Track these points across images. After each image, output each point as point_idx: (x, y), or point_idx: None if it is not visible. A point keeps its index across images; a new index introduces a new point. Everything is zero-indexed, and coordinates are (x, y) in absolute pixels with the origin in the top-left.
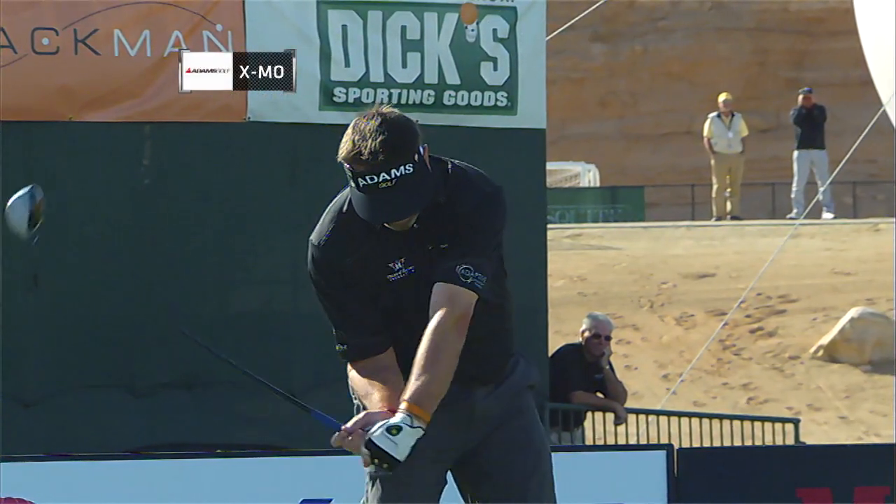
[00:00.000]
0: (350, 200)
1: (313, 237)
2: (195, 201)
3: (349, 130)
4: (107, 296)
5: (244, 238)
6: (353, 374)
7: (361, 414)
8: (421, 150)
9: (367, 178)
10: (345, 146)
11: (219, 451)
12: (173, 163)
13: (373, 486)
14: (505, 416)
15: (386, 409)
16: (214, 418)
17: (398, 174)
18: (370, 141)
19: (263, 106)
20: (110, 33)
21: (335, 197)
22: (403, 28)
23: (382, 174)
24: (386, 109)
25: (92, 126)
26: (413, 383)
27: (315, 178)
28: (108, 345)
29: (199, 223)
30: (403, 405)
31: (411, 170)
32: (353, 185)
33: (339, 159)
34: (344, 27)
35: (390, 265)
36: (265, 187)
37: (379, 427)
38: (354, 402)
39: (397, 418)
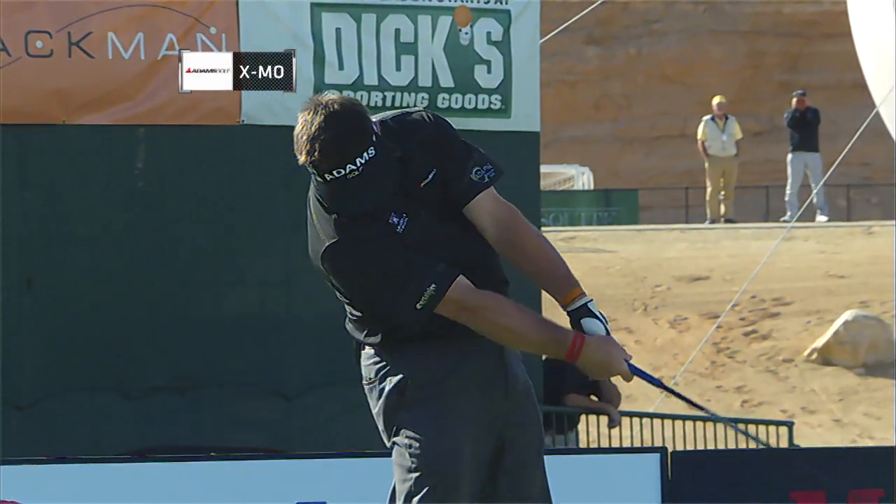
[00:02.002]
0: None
1: (330, 233)
2: (189, 204)
3: (299, 131)
4: (101, 298)
5: (238, 240)
6: (476, 302)
7: (609, 352)
8: (374, 128)
9: (333, 172)
10: (301, 149)
11: (213, 453)
12: (167, 165)
13: (418, 490)
14: (525, 395)
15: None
16: (208, 421)
17: (363, 161)
18: (324, 137)
19: (257, 109)
20: (104, 36)
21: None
22: (397, 31)
23: (348, 165)
24: (325, 99)
25: (86, 129)
26: (562, 273)
27: (309, 180)
28: (102, 348)
29: (194, 225)
30: (578, 290)
31: (374, 152)
32: (319, 181)
33: (300, 163)
34: (338, 30)
35: (391, 222)
36: (259, 190)
37: (605, 328)
38: (368, 373)
39: (592, 306)
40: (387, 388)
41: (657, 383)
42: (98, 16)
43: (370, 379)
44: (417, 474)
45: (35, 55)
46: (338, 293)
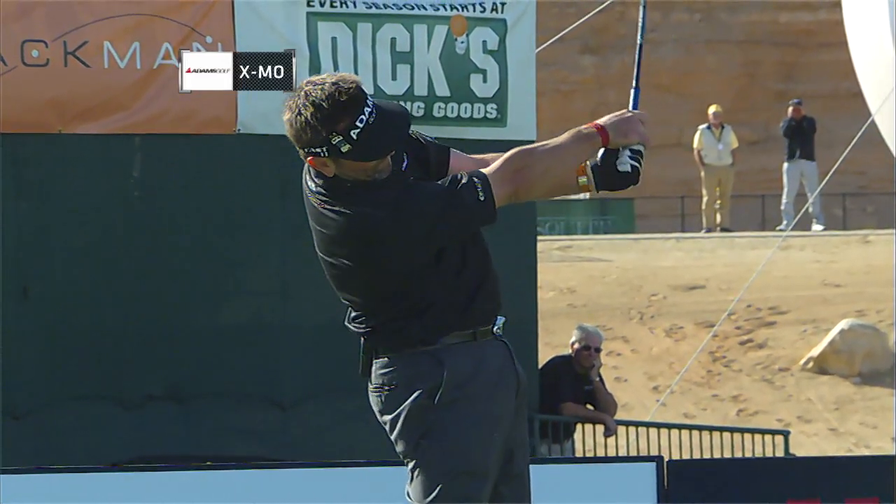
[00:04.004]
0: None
1: (378, 201)
2: (185, 213)
3: (303, 119)
4: (96, 308)
5: (234, 249)
6: (516, 162)
7: (615, 114)
8: None
9: (357, 123)
10: (318, 126)
11: (209, 462)
12: (163, 174)
13: (453, 492)
14: (525, 396)
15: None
16: (204, 430)
17: (371, 104)
18: (328, 97)
19: (253, 118)
20: (100, 45)
21: (326, 213)
22: (393, 40)
23: (365, 109)
24: (300, 86)
25: (82, 138)
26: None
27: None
28: (97, 357)
29: (189, 234)
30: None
31: (371, 101)
32: (348, 148)
33: (318, 144)
34: (333, 39)
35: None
36: (255, 199)
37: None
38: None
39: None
40: (415, 392)
41: (636, 94)
42: (94, 25)
43: (391, 385)
44: (453, 476)
45: (31, 64)
46: (395, 260)
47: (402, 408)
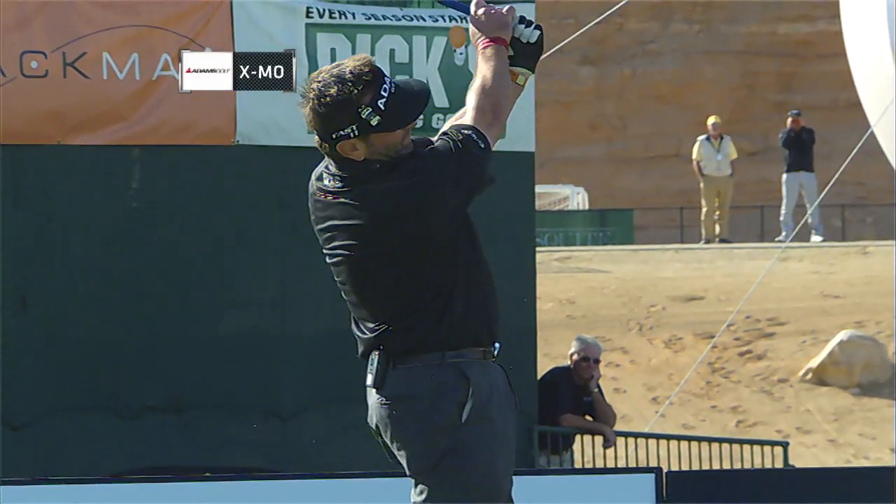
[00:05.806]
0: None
1: (410, 168)
2: (184, 224)
3: (329, 100)
4: (95, 318)
5: (232, 260)
6: (485, 102)
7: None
8: None
9: (381, 92)
10: (347, 98)
11: (207, 473)
12: (162, 185)
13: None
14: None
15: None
16: (203, 441)
17: (387, 76)
18: (351, 72)
19: (252, 129)
20: (99, 56)
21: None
22: (392, 51)
23: (386, 79)
24: (311, 79)
25: (81, 149)
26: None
27: (303, 201)
28: (95, 367)
29: (188, 245)
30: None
31: (386, 73)
32: (378, 120)
33: (348, 123)
34: (332, 50)
35: None
36: (254, 210)
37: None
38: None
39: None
40: (441, 406)
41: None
42: (93, 36)
43: (411, 397)
44: (479, 498)
45: (30, 75)
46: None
47: (423, 423)
